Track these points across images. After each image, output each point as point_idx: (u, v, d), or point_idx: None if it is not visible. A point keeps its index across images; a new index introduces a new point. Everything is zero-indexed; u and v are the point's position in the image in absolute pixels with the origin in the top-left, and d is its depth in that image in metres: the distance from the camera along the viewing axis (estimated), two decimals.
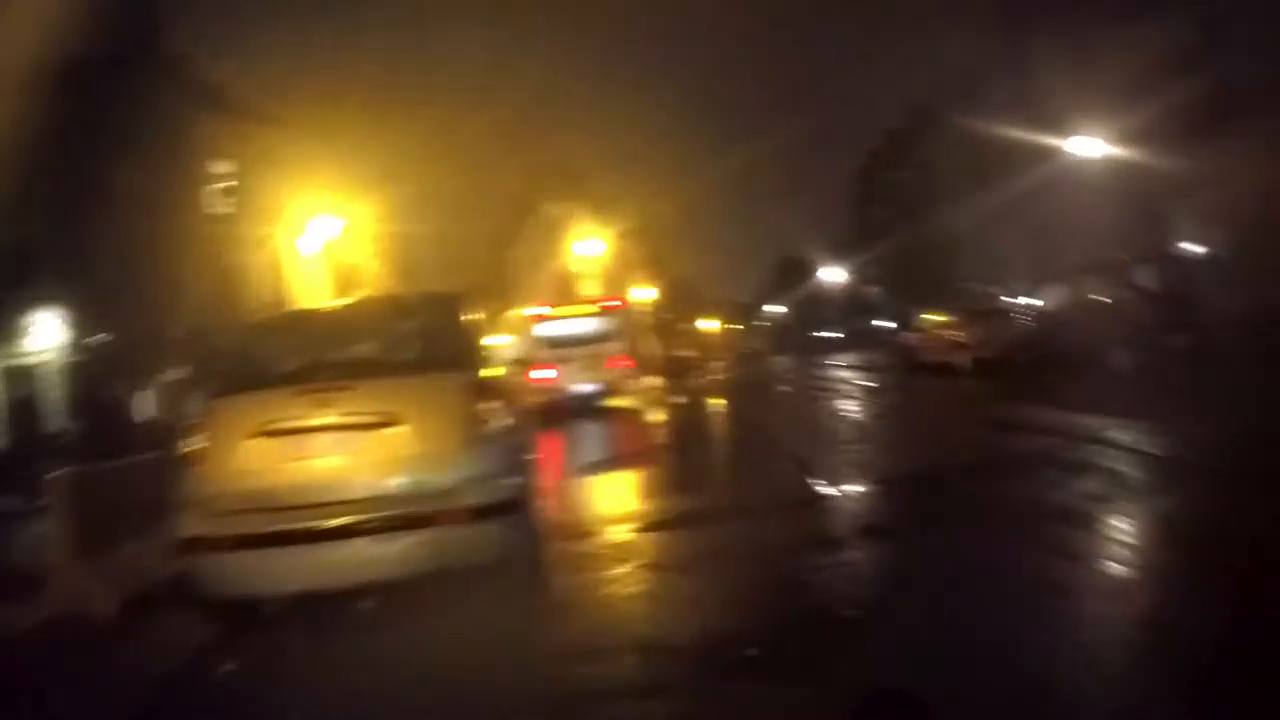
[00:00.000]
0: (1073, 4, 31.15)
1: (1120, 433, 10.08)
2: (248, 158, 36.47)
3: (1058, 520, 6.54)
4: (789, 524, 7.63)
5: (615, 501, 10.55)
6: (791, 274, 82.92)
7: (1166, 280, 17.42)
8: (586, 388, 25.70)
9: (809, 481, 9.15)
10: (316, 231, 35.88)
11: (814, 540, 6.92)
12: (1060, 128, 29.41)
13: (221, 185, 36.69)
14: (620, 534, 7.97)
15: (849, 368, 36.23)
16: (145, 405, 27.46)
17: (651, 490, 11.12)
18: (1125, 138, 24.89)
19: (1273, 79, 19.48)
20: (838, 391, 22.94)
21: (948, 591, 5.20)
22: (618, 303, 29.87)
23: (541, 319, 28.04)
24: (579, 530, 8.09)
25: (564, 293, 47.80)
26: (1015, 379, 18.97)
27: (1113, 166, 27.43)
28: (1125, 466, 8.57)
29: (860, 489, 9.07)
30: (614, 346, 26.50)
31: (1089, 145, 26.81)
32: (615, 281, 68.49)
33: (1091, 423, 11.07)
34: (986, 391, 18.08)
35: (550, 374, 24.89)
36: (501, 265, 73.77)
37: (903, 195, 61.77)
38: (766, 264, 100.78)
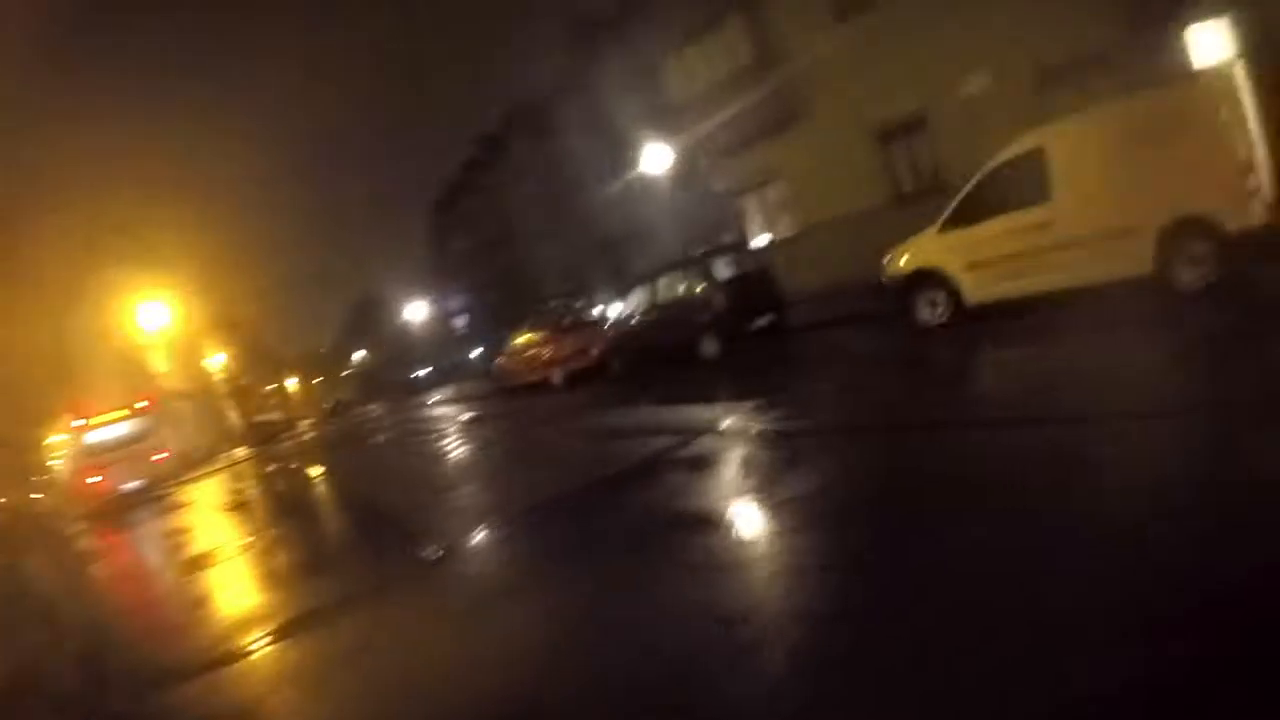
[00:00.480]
0: (637, 27, 32.76)
1: (732, 417, 10.10)
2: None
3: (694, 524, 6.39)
4: (405, 604, 6.89)
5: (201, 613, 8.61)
6: (371, 316, 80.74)
7: (743, 268, 18.15)
8: (133, 484, 29.09)
9: (417, 551, 8.09)
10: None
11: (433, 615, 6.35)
12: (630, 143, 30.82)
13: None
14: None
15: (446, 403, 35.12)
16: None
17: (243, 590, 9.24)
18: (694, 146, 26.23)
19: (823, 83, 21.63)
20: (437, 431, 21.91)
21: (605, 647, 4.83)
22: (146, 403, 32.77)
23: (84, 429, 30.59)
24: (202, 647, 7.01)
25: (124, 375, 49.20)
26: (615, 385, 19.11)
27: (684, 173, 28.98)
28: (750, 447, 8.53)
29: (473, 540, 8.22)
30: (151, 443, 30.71)
31: (659, 156, 27.92)
32: (184, 350, 64.07)
33: (700, 413, 11.07)
34: (587, 402, 17.92)
35: (98, 478, 28.72)
36: (63, 341, 66.49)
37: (481, 223, 61.81)
38: (343, 311, 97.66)
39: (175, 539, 15.41)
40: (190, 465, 49.00)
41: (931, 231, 12.24)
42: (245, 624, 7.37)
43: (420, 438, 21.51)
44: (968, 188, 11.61)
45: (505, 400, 25.32)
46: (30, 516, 37.31)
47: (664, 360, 18.35)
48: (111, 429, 30.96)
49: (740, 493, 7.03)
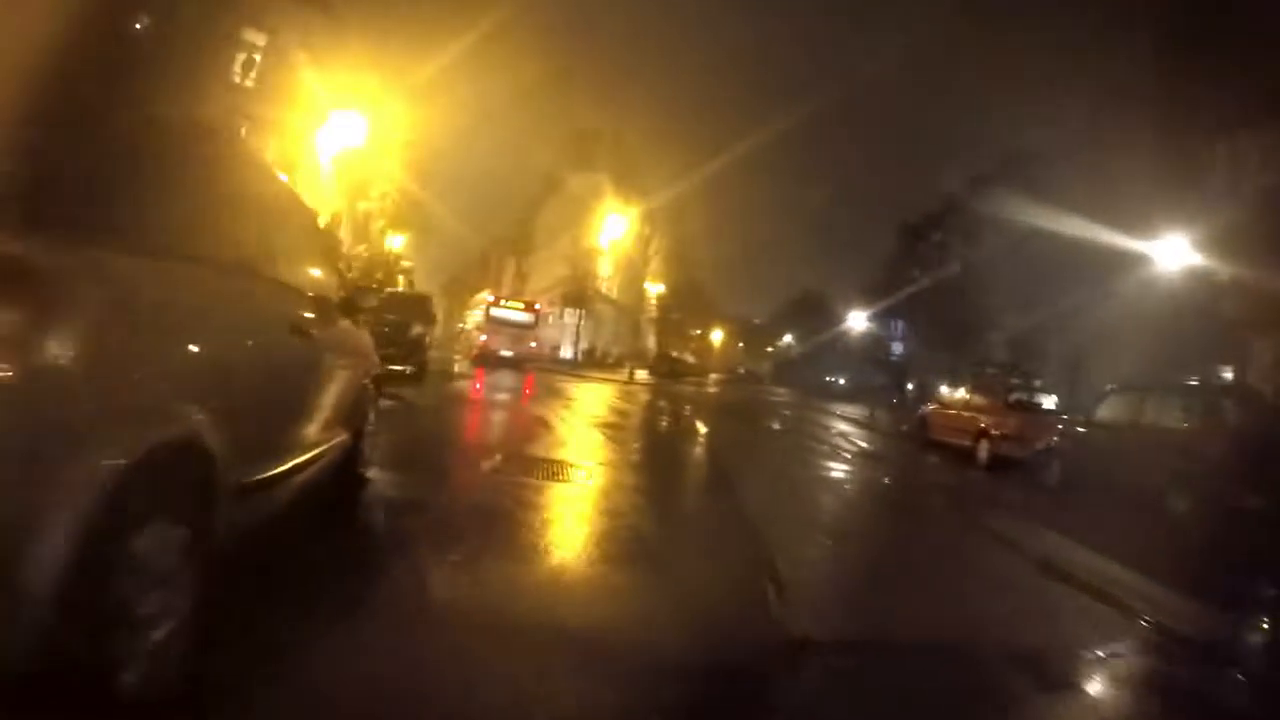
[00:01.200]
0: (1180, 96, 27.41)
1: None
2: (283, 32, 33.09)
3: None
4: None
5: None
6: (810, 307, 79.09)
7: (1245, 419, 13.61)
8: (507, 353, 38.94)
9: (778, 618, 5.48)
10: (338, 127, 33.32)
11: None
12: (1133, 227, 26.33)
13: (248, 55, 33.88)
14: None
15: (850, 420, 32.74)
16: None
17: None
18: (1210, 248, 21.74)
19: None
20: (834, 447, 19.52)
21: None
22: (538, 306, 45.11)
23: (492, 304, 43.50)
24: None
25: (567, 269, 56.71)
26: (1046, 493, 15.58)
27: (1190, 278, 24.32)
28: None
29: (848, 641, 5.27)
30: (531, 333, 41.95)
31: (1168, 250, 23.65)
32: (629, 267, 65.89)
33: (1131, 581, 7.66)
34: (1013, 500, 14.58)
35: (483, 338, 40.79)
36: (524, 227, 70.66)
37: (942, 263, 57.71)
38: (786, 292, 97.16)
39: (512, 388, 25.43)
40: (593, 363, 50.56)
41: None
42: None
43: (814, 446, 19.29)
44: None
45: (913, 450, 22.31)
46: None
47: (1106, 490, 14.26)
48: (509, 312, 42.31)
49: None
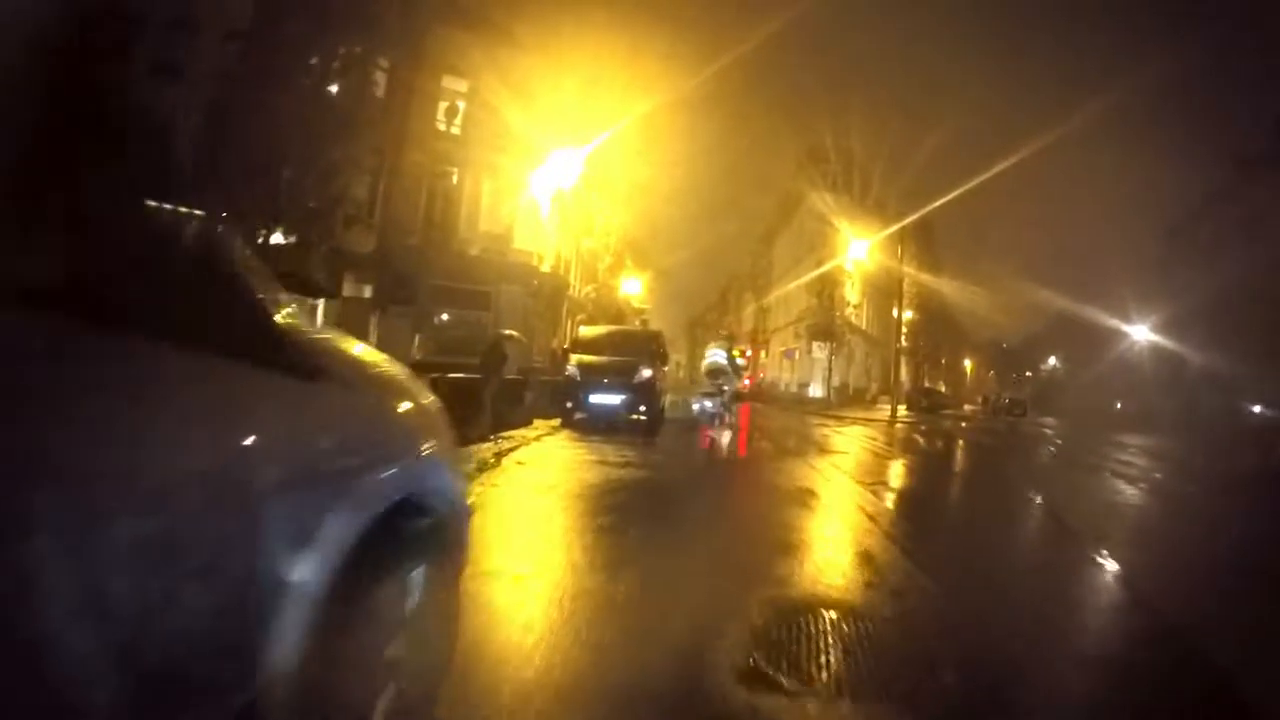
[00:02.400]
0: None
1: None
2: (483, 76, 31.18)
3: None
4: None
5: None
6: (1071, 328, 70.82)
7: None
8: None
9: None
10: (555, 168, 31.89)
11: None
12: None
13: (451, 103, 32.11)
14: None
15: (1150, 457, 24.38)
16: None
17: None
18: None
19: None
20: (1146, 510, 13.35)
21: None
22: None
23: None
24: None
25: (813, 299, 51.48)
26: None
27: None
28: None
29: None
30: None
31: None
32: (874, 294, 60.66)
33: None
34: None
35: None
36: (760, 261, 67.02)
37: (1227, 262, 48.93)
38: (1035, 312, 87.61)
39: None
40: (846, 400, 46.06)
41: None
42: None
43: (1119, 501, 13.50)
44: None
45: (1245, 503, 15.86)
46: None
47: None
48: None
49: None
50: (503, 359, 17.21)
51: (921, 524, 9.18)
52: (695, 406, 23.23)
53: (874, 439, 23.44)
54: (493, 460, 11.40)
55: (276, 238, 22.60)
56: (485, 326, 29.27)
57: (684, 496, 10.08)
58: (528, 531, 7.20)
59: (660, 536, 7.26)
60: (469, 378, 15.04)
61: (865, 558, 6.63)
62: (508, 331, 26.76)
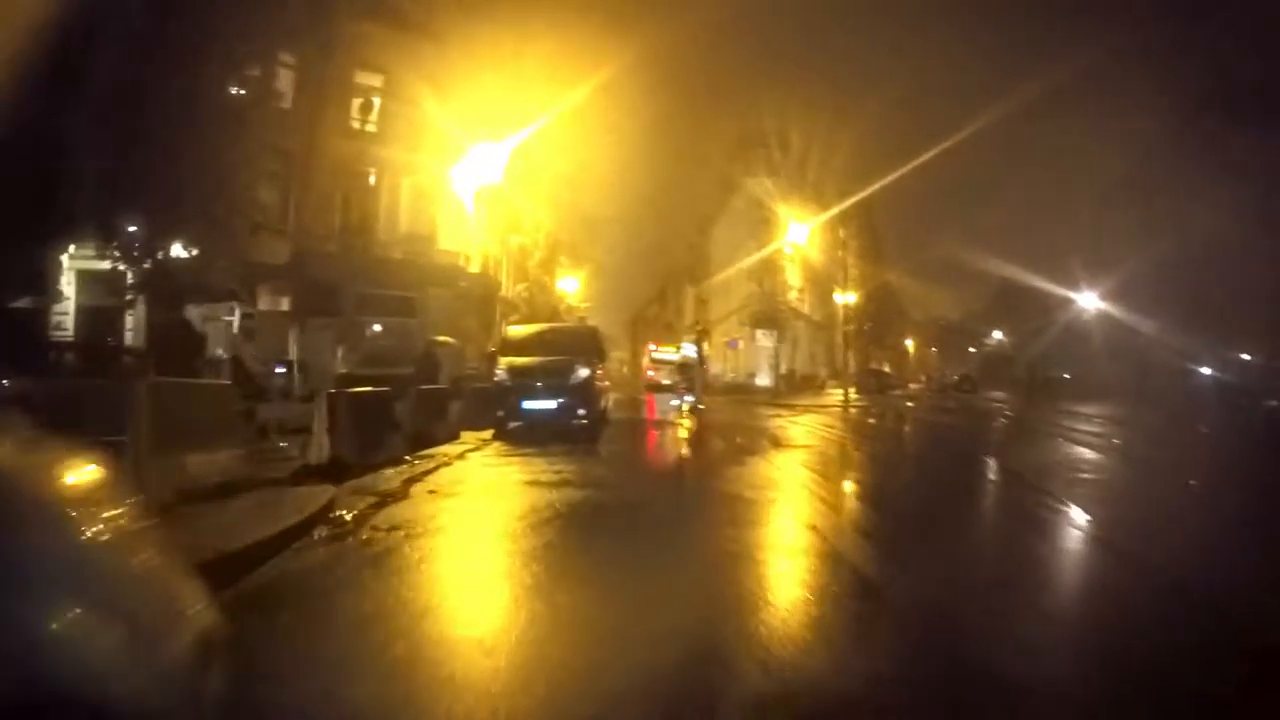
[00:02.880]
0: None
1: None
2: (398, 71, 29.25)
3: None
4: None
5: None
6: (1014, 300, 69.58)
7: None
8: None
9: None
10: (478, 163, 29.97)
11: None
12: None
13: (365, 99, 29.90)
14: None
15: (1110, 424, 23.41)
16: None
17: None
18: None
19: None
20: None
21: None
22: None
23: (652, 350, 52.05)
24: None
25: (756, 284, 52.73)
26: None
27: None
28: None
29: None
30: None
31: None
32: (815, 278, 59.13)
33: None
34: None
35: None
36: (697, 251, 64.94)
37: (1168, 227, 47.44)
38: (984, 283, 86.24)
39: None
40: (794, 387, 44.72)
41: None
42: None
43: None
44: None
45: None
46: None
47: None
48: (665, 353, 49.02)
49: None
50: (436, 368, 15.26)
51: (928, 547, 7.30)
52: (673, 403, 21.89)
53: (832, 428, 21.75)
54: (399, 489, 9.43)
55: (176, 250, 20.83)
56: (413, 334, 27.15)
57: (630, 525, 8.09)
58: (410, 610, 5.05)
59: (599, 601, 5.14)
60: (378, 392, 12.95)
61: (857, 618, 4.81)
62: (440, 338, 24.81)
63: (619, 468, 12.65)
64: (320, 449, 11.09)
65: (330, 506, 7.92)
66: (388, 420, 12.41)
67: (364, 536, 6.97)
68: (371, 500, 8.55)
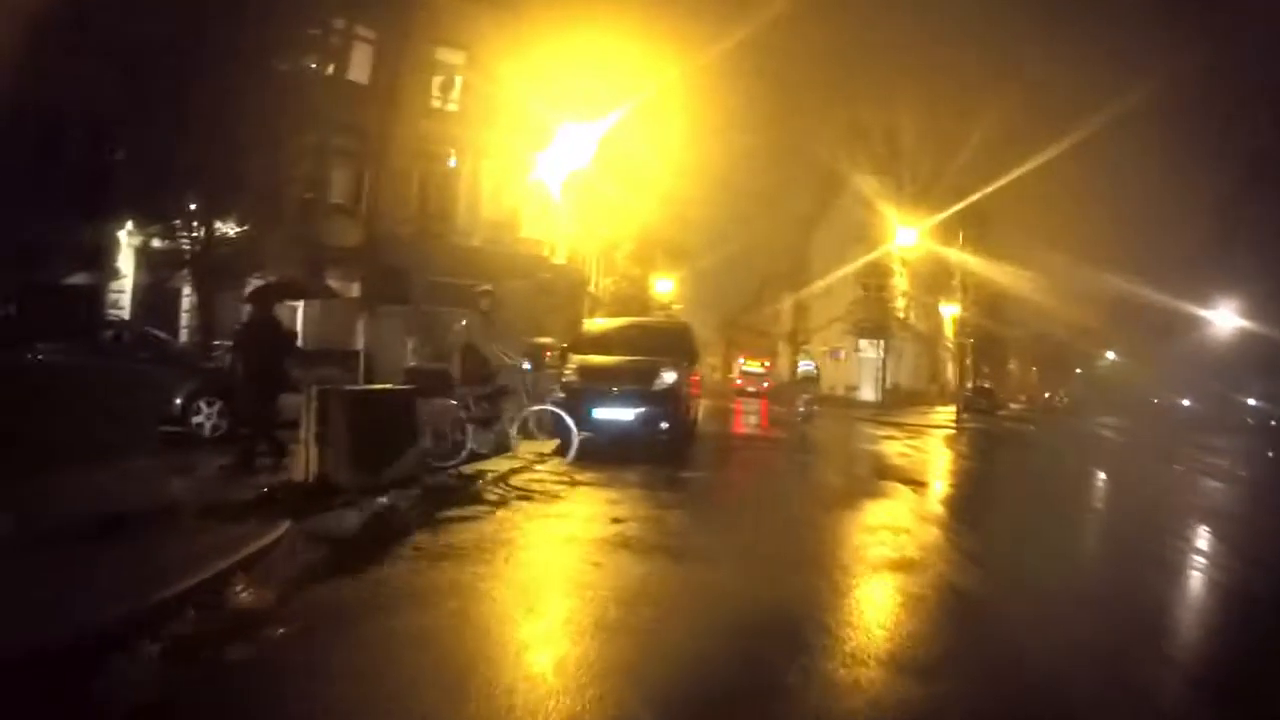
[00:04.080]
0: None
1: None
2: (481, 48, 26.59)
3: None
4: None
5: None
6: (1134, 316, 64.05)
7: None
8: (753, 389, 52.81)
9: None
10: (566, 147, 26.57)
11: None
12: None
13: (446, 76, 27.11)
14: None
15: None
16: None
17: None
18: None
19: None
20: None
21: None
22: (769, 363, 59.09)
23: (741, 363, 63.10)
24: None
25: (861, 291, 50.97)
26: None
27: None
28: None
29: None
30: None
31: None
32: (920, 286, 54.51)
33: None
34: None
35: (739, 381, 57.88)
36: (797, 254, 60.82)
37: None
38: (1095, 302, 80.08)
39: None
40: (898, 401, 41.27)
41: None
42: None
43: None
44: None
45: None
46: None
47: None
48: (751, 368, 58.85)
49: None
50: (483, 364, 11.99)
51: None
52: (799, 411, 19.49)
53: (966, 457, 18.09)
54: (372, 540, 6.12)
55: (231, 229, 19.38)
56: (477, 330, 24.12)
57: (733, 627, 4.65)
58: None
59: None
60: (390, 391, 9.79)
61: None
62: (541, 339, 20.40)
63: (719, 519, 8.99)
64: (307, 464, 7.98)
65: (235, 572, 4.69)
66: (403, 427, 9.15)
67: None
68: (313, 558, 5.27)
